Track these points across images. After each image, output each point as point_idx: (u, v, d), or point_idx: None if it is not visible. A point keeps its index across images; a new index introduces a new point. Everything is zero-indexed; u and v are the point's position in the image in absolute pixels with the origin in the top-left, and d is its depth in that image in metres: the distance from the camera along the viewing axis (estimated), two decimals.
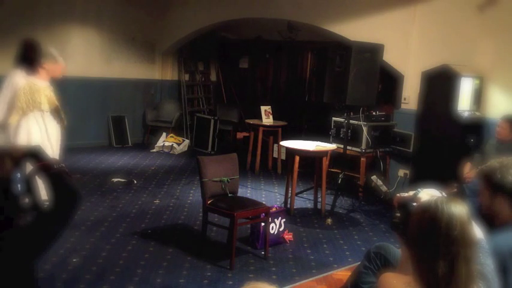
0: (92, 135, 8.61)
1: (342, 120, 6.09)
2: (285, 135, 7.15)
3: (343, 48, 5.68)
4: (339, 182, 5.76)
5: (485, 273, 1.80)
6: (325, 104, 6.53)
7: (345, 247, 4.67)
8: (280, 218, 4.58)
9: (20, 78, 4.57)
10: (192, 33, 9.01)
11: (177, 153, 8.47)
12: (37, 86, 4.70)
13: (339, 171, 5.93)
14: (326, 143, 5.75)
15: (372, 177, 6.31)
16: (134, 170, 7.10)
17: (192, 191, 6.20)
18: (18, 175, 1.87)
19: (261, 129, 7.42)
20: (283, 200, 5.84)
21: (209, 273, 3.89)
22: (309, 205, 5.92)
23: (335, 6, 6.92)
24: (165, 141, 8.68)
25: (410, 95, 6.25)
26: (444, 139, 5.45)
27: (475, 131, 5.44)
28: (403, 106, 6.42)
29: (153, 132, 9.10)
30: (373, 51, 5.65)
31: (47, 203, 1.86)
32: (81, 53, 8.33)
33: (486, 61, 5.57)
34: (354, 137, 6.05)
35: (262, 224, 4.32)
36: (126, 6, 8.79)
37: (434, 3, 6.00)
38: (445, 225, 1.64)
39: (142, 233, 4.69)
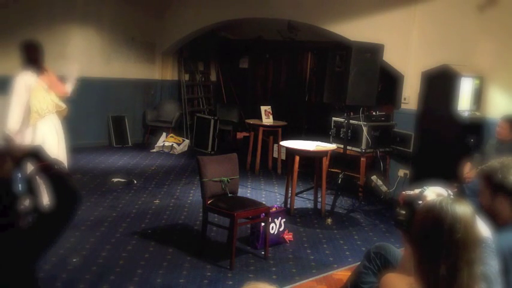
0: (92, 135, 8.61)
1: (342, 120, 6.09)
2: (285, 135, 7.15)
3: (343, 48, 5.68)
4: (339, 182, 5.76)
5: (488, 274, 1.79)
6: (325, 104, 6.53)
7: (345, 247, 4.67)
8: (280, 218, 4.58)
9: (31, 81, 4.64)
10: (192, 33, 9.01)
11: (177, 153, 8.47)
12: (46, 88, 4.80)
13: (339, 171, 5.93)
14: (326, 143, 5.75)
15: (372, 177, 6.31)
16: (134, 170, 7.09)
17: (192, 191, 6.20)
18: (19, 175, 1.87)
19: (261, 129, 7.42)
20: (283, 200, 5.84)
21: (209, 273, 3.89)
22: (309, 205, 5.92)
23: (335, 6, 6.92)
24: (165, 141, 8.68)
25: (410, 95, 6.25)
26: (444, 139, 5.45)
27: (475, 131, 5.44)
28: (403, 106, 6.42)
29: (153, 132, 9.09)
30: (373, 51, 5.65)
31: (48, 204, 1.86)
32: (81, 53, 8.32)
33: (486, 61, 5.57)
34: (354, 137, 6.05)
35: (262, 224, 4.32)
36: (126, 7, 8.79)
37: (434, 3, 6.00)
38: (449, 227, 1.63)
39: (142, 233, 4.69)
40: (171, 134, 8.86)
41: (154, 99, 9.56)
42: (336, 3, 6.91)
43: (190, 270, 3.93)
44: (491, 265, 1.83)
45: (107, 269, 3.84)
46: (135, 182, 6.42)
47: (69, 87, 4.98)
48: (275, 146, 7.74)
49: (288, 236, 4.68)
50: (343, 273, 3.96)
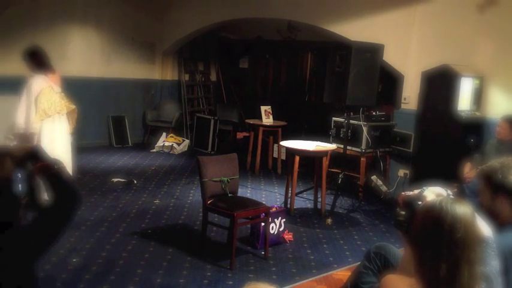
0: (92, 135, 8.60)
1: (342, 120, 6.09)
2: (285, 135, 7.15)
3: (343, 48, 5.68)
4: (339, 182, 5.76)
5: (489, 274, 1.79)
6: (325, 104, 6.52)
7: (345, 247, 4.67)
8: (280, 218, 4.58)
9: (41, 83, 4.92)
10: (192, 33, 9.01)
11: (177, 153, 8.47)
12: (55, 90, 5.03)
13: (339, 171, 5.93)
14: (326, 143, 5.75)
15: (372, 177, 6.31)
16: (134, 170, 7.09)
17: (192, 191, 6.20)
18: (19, 175, 1.87)
19: (261, 129, 7.42)
20: (283, 200, 5.84)
21: (209, 273, 3.89)
22: (309, 205, 5.92)
23: (335, 6, 6.92)
24: (165, 141, 8.68)
25: (410, 95, 6.25)
26: (444, 139, 5.45)
27: (475, 131, 5.44)
28: (403, 106, 6.42)
29: (153, 132, 9.09)
30: (373, 51, 5.65)
31: (48, 203, 1.86)
32: (81, 53, 8.33)
33: (486, 61, 5.57)
34: (354, 137, 6.05)
35: (262, 224, 4.32)
36: (126, 7, 8.78)
37: (434, 4, 6.00)
38: (449, 227, 1.62)
39: (142, 233, 4.69)
40: (171, 134, 8.86)
41: (154, 99, 9.56)
42: (336, 3, 6.91)
43: (190, 270, 3.93)
44: (492, 265, 1.83)
45: (107, 269, 3.84)
46: (135, 182, 6.42)
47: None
48: (275, 146, 7.74)
49: (288, 236, 4.68)
50: (343, 273, 3.96)
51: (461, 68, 5.44)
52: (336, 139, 6.24)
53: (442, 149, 5.41)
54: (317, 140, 5.74)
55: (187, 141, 8.91)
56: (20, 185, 1.87)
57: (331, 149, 5.67)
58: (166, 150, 8.52)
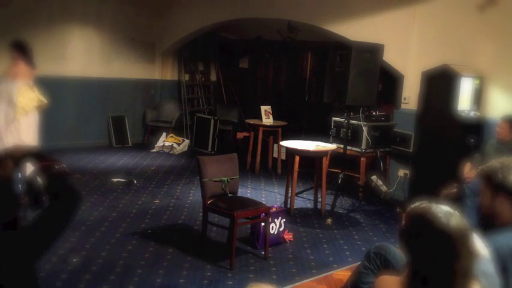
0: (92, 135, 8.61)
1: (342, 120, 6.09)
2: (285, 135, 7.15)
3: (343, 48, 5.68)
4: (339, 182, 5.76)
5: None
6: (325, 104, 6.52)
7: (345, 247, 4.67)
8: (280, 218, 4.58)
9: (17, 84, 5.17)
10: (192, 33, 9.01)
11: (177, 153, 8.47)
12: (31, 86, 5.21)
13: (339, 171, 5.93)
14: (326, 143, 5.76)
15: (372, 177, 6.31)
16: (134, 170, 7.09)
17: (192, 191, 6.20)
18: (19, 175, 1.87)
19: (261, 129, 7.42)
20: (283, 200, 5.84)
21: (209, 273, 3.89)
22: (309, 205, 5.92)
23: (335, 6, 6.92)
24: (165, 141, 8.68)
25: (410, 95, 6.25)
26: (444, 139, 5.45)
27: (475, 131, 5.44)
28: (403, 106, 6.42)
29: (153, 132, 9.09)
30: (373, 51, 5.65)
31: (48, 203, 1.86)
32: (81, 53, 8.33)
33: (486, 61, 5.57)
34: (354, 137, 6.05)
35: (262, 224, 4.32)
36: (126, 7, 8.79)
37: (434, 4, 6.00)
38: (447, 243, 1.58)
39: (142, 233, 4.69)
40: (171, 134, 8.86)
41: (154, 99, 9.56)
42: (336, 3, 6.91)
43: (190, 270, 3.93)
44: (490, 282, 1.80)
45: (107, 269, 3.84)
46: (135, 182, 6.42)
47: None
48: (275, 146, 7.74)
49: (288, 236, 4.68)
50: (343, 273, 3.96)
51: (461, 68, 5.44)
52: (336, 139, 6.24)
53: (442, 149, 5.41)
54: (317, 140, 5.75)
55: (187, 141, 8.91)
56: (20, 185, 1.87)
57: (331, 149, 5.67)
58: (166, 150, 8.52)
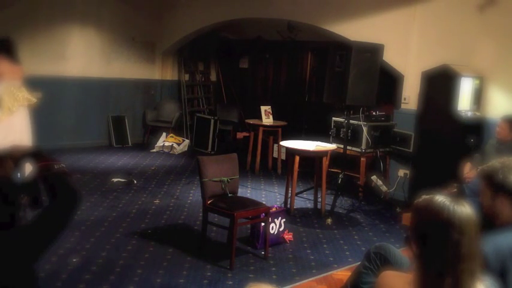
0: (92, 135, 8.61)
1: (342, 120, 6.09)
2: (285, 135, 7.15)
3: (343, 48, 5.68)
4: (339, 182, 5.76)
5: None
6: (325, 104, 6.52)
7: (345, 247, 4.67)
8: (280, 218, 4.58)
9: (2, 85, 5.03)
10: (192, 33, 9.01)
11: (177, 153, 8.47)
12: (17, 85, 5.14)
13: (339, 171, 5.93)
14: (326, 143, 5.76)
15: (372, 177, 6.31)
16: (134, 170, 7.09)
17: (192, 191, 6.20)
18: (19, 175, 1.87)
19: (261, 129, 7.42)
20: (283, 200, 5.84)
21: (209, 273, 3.89)
22: (309, 205, 5.92)
23: (335, 6, 6.92)
24: (165, 141, 8.68)
25: (410, 95, 6.25)
26: (444, 139, 5.45)
27: (475, 131, 5.44)
28: (403, 106, 6.42)
29: (153, 132, 9.09)
30: (373, 51, 5.65)
31: (48, 203, 1.86)
32: (81, 53, 8.33)
33: (486, 61, 5.57)
34: (354, 137, 6.05)
35: (262, 224, 4.32)
36: (126, 7, 8.79)
37: (434, 4, 6.00)
38: (454, 240, 1.58)
39: (142, 233, 4.69)
40: (171, 134, 8.86)
41: (154, 99, 9.56)
42: (336, 3, 6.91)
43: (190, 270, 3.93)
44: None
45: (107, 269, 3.84)
46: (135, 182, 6.42)
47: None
48: (275, 146, 7.74)
49: (288, 236, 4.68)
50: (343, 273, 3.96)
51: (461, 68, 5.44)
52: (336, 139, 6.24)
53: (442, 149, 5.41)
54: (317, 140, 5.74)
55: (187, 141, 8.91)
56: (19, 185, 1.87)
57: (331, 149, 5.67)
58: (166, 150, 8.52)
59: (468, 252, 1.58)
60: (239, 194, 4.51)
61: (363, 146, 6.09)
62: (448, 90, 5.40)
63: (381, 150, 6.25)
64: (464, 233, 1.59)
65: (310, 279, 3.93)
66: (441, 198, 1.65)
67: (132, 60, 9.09)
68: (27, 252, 1.76)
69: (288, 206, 5.58)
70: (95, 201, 5.54)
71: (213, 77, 10.34)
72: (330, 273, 4.06)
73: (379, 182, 6.27)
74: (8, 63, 5.18)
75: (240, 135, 9.01)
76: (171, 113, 9.23)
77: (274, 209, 4.60)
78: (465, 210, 1.63)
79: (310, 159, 5.94)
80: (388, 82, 6.65)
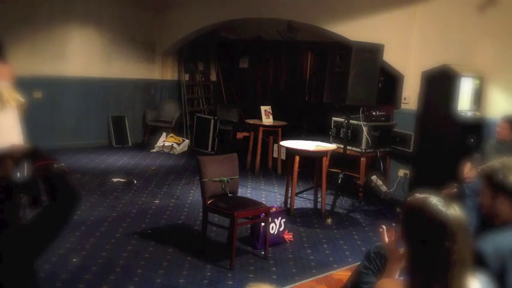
0: (92, 135, 8.61)
1: (342, 120, 6.09)
2: (285, 135, 7.15)
3: (343, 48, 5.69)
4: (339, 182, 5.76)
5: None
6: (325, 104, 6.52)
7: (345, 247, 4.67)
8: (280, 218, 4.58)
9: None
10: (192, 33, 9.00)
11: (177, 153, 8.47)
12: (4, 85, 5.09)
13: (339, 171, 5.93)
14: (326, 143, 5.75)
15: (372, 177, 6.31)
16: (134, 170, 7.09)
17: (192, 191, 6.20)
18: (18, 175, 1.87)
19: (261, 129, 7.42)
20: (283, 200, 5.84)
21: (209, 273, 3.89)
22: (309, 205, 5.92)
23: (335, 6, 6.91)
24: (165, 141, 8.68)
25: (410, 95, 6.25)
26: (444, 139, 5.45)
27: (475, 131, 5.44)
28: (403, 106, 6.42)
29: (153, 132, 9.09)
30: (373, 51, 5.65)
31: (47, 203, 1.86)
32: (81, 53, 8.33)
33: (486, 61, 5.56)
34: (354, 137, 6.05)
35: (262, 224, 4.32)
36: (126, 6, 8.78)
37: (434, 3, 6.00)
38: (444, 230, 1.60)
39: (142, 233, 4.69)
40: (171, 134, 8.86)
41: (154, 99, 9.56)
42: (336, 3, 6.91)
43: (190, 270, 3.93)
44: None
45: (107, 269, 3.84)
46: (135, 182, 6.42)
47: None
48: (275, 146, 7.73)
49: (288, 236, 4.68)
50: (343, 273, 3.96)
51: (461, 68, 5.44)
52: (336, 139, 6.24)
53: (442, 149, 5.41)
54: (317, 140, 5.74)
55: (187, 141, 8.91)
56: (19, 184, 1.87)
57: (331, 149, 5.67)
58: (166, 150, 8.52)
59: (459, 259, 1.58)
60: (239, 194, 4.52)
61: (363, 146, 6.09)
62: (448, 90, 5.40)
63: (381, 150, 6.25)
64: (456, 240, 1.59)
65: (310, 279, 3.93)
66: (434, 201, 1.65)
67: (132, 60, 9.09)
68: (26, 251, 1.76)
69: (288, 206, 5.58)
70: (95, 201, 5.54)
71: (213, 77, 10.33)
72: (330, 273, 4.06)
73: (379, 182, 6.27)
74: (5, 66, 5.15)
75: (240, 135, 9.01)
76: (171, 113, 9.23)
77: (274, 209, 4.60)
78: (457, 214, 1.63)
79: (310, 159, 5.94)
80: (388, 82, 6.66)
